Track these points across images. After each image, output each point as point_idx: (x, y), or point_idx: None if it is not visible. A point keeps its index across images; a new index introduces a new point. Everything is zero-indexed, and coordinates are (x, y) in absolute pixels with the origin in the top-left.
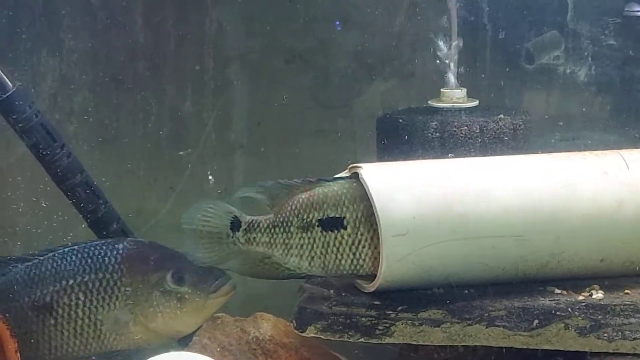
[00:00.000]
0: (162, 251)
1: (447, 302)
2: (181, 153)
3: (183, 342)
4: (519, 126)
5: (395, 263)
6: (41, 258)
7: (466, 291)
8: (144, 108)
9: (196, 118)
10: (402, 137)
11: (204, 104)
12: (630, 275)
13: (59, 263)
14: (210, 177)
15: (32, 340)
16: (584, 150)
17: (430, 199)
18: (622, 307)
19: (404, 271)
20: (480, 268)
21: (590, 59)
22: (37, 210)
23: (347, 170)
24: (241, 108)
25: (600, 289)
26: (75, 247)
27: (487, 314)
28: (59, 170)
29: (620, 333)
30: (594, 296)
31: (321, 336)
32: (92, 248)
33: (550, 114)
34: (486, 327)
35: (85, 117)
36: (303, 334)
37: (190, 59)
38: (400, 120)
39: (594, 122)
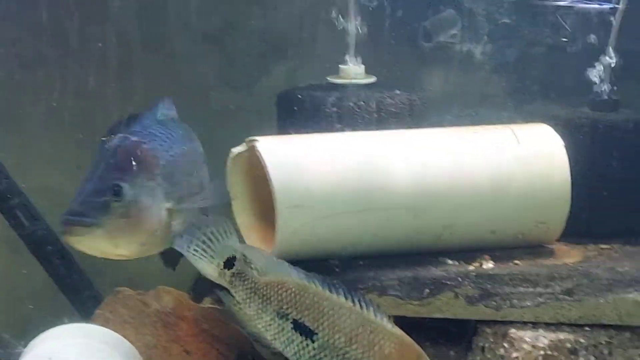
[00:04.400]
0: None
1: (341, 272)
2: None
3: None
4: (415, 102)
5: (290, 235)
6: None
7: (361, 262)
8: (47, 86)
9: (102, 100)
10: (301, 113)
11: (110, 86)
12: (520, 246)
13: None
14: None
15: None
16: (477, 125)
17: (326, 171)
18: (510, 276)
19: (298, 243)
20: (375, 240)
21: (485, 37)
22: None
23: (243, 144)
24: (148, 89)
25: (491, 259)
26: None
27: (379, 284)
28: None
29: (508, 302)
30: (484, 266)
31: (217, 306)
32: None
33: (447, 91)
34: (378, 296)
35: None
36: (200, 305)
37: (96, 40)
38: (299, 96)
39: (489, 99)
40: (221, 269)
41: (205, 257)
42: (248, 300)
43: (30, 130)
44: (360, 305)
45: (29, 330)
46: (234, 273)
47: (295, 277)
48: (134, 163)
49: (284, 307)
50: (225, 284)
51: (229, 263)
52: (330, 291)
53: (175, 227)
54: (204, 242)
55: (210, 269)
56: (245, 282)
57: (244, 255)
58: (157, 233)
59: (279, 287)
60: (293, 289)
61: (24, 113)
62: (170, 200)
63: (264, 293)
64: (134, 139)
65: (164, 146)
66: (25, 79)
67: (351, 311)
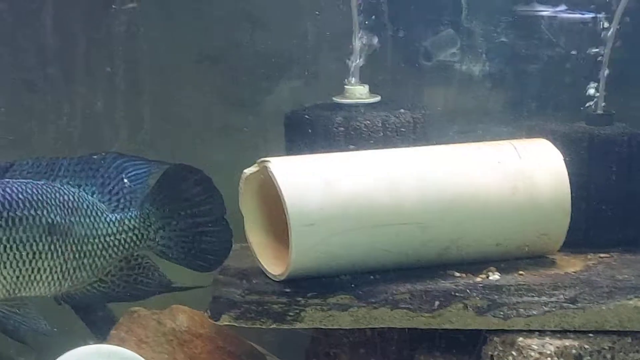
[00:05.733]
0: None
1: (354, 287)
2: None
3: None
4: (419, 120)
5: (304, 252)
6: None
7: (372, 277)
8: (55, 110)
9: (106, 119)
10: (308, 133)
11: (114, 105)
12: (524, 257)
13: None
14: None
15: None
16: (479, 142)
17: (336, 189)
18: (516, 287)
19: (312, 260)
20: (385, 255)
21: (484, 55)
22: None
23: (255, 165)
24: (151, 108)
25: (497, 271)
26: None
27: (391, 297)
28: None
29: (514, 311)
30: (490, 278)
31: (235, 324)
32: None
33: (447, 108)
34: (391, 310)
35: None
36: (217, 323)
37: (101, 61)
38: (307, 117)
39: (488, 115)
40: None
41: None
42: None
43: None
44: None
45: (44, 352)
46: None
47: None
48: None
49: None
50: None
51: None
52: None
53: None
54: None
55: None
56: None
57: None
58: None
59: None
60: None
61: (33, 137)
62: None
63: None
64: None
65: None
66: (33, 103)
67: None
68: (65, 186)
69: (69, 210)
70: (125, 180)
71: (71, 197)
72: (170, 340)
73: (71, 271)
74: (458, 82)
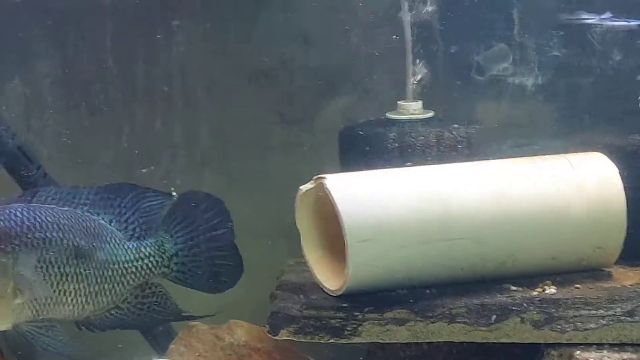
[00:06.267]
0: None
1: (411, 302)
2: (144, 170)
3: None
4: (473, 135)
5: (360, 267)
6: None
7: (428, 291)
8: (115, 129)
9: (165, 137)
10: (362, 149)
11: (172, 123)
12: (580, 271)
13: None
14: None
15: None
16: (533, 156)
17: (392, 205)
18: (572, 300)
19: (368, 275)
20: (441, 269)
21: (536, 69)
22: None
23: (312, 181)
24: (208, 125)
25: (553, 284)
26: None
27: (448, 312)
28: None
29: (572, 324)
30: (547, 291)
31: (293, 338)
32: None
33: (501, 123)
34: (448, 324)
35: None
36: (276, 338)
37: (158, 81)
38: (361, 133)
39: (542, 129)
40: None
41: None
42: None
43: (98, 174)
44: None
45: None
46: None
47: None
48: None
49: None
50: None
51: None
52: None
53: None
54: None
55: None
56: None
57: None
58: None
59: None
60: None
61: (94, 157)
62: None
63: None
64: None
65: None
66: (92, 124)
67: None
68: (86, 213)
69: (92, 236)
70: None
71: (93, 224)
72: (229, 354)
73: (94, 295)
74: (511, 97)
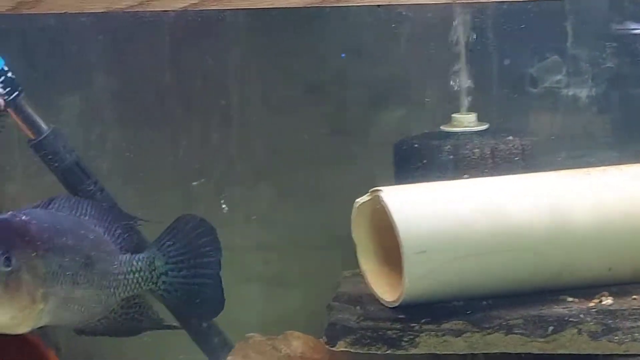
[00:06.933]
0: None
1: (467, 313)
2: (194, 183)
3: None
4: (527, 147)
5: (416, 279)
6: None
7: (484, 302)
8: (171, 143)
9: (219, 150)
10: (418, 161)
11: (227, 137)
12: (636, 282)
13: None
14: (223, 206)
15: None
16: (588, 167)
17: (448, 217)
18: (630, 311)
19: (425, 286)
20: (497, 281)
21: (590, 81)
22: None
23: (368, 194)
24: (263, 139)
25: (610, 295)
26: None
27: (505, 323)
28: None
29: (629, 335)
30: (603, 302)
31: (350, 350)
32: None
33: (555, 134)
34: (505, 335)
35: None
36: (334, 349)
37: (214, 95)
38: (416, 145)
39: (596, 141)
40: None
41: None
42: None
43: (154, 186)
44: None
45: None
46: None
47: None
48: (23, 238)
49: None
50: None
51: None
52: None
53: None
54: None
55: None
56: None
57: None
58: (26, 311)
59: None
60: None
61: (150, 170)
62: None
63: None
64: (23, 216)
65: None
66: (150, 138)
67: None
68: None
69: (96, 245)
70: None
71: (96, 234)
72: None
73: (93, 304)
74: (565, 108)
